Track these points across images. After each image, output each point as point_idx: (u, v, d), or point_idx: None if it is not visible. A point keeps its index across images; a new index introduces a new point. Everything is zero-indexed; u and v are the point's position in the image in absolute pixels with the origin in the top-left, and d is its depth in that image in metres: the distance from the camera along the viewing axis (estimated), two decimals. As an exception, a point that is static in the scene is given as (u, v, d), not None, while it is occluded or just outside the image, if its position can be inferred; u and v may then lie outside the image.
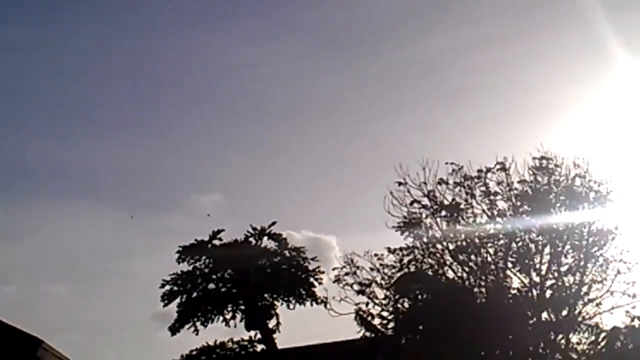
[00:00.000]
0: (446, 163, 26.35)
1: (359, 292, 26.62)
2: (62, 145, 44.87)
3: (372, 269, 26.63)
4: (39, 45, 44.03)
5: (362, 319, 27.44)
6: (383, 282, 26.71)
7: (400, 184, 26.35)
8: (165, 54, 46.33)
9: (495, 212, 26.19)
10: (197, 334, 30.90)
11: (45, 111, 46.25)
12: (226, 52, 45.23)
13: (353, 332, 27.81)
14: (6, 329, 19.16)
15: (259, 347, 31.05)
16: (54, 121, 46.13)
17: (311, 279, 31.54)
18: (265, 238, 32.12)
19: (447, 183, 26.28)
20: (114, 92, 47.02)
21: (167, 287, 31.03)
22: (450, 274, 26.54)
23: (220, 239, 31.80)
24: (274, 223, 32.09)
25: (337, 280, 26.84)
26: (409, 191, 26.45)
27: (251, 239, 31.94)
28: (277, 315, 31.48)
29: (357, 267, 26.71)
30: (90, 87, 46.85)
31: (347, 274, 26.72)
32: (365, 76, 45.22)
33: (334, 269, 27.48)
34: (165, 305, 31.02)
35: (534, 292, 25.63)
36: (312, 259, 31.78)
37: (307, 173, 48.36)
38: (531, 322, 25.44)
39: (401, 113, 46.90)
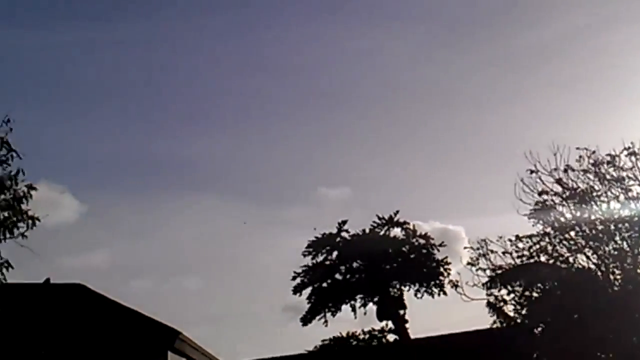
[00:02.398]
0: (577, 148, 25.73)
1: (490, 277, 26.38)
2: (189, 140, 46.21)
3: (504, 253, 26.41)
4: (159, 40, 45.32)
5: (495, 307, 27.16)
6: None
7: (532, 172, 25.90)
8: (285, 45, 46.66)
9: (629, 197, 25.22)
10: (326, 325, 31.50)
11: (173, 107, 47.71)
12: (345, 41, 45.02)
13: (483, 322, 27.75)
14: (145, 320, 20.02)
15: (390, 337, 31.29)
16: (182, 116, 47.51)
17: (440, 269, 31.46)
18: (393, 227, 32.32)
19: (574, 170, 25.62)
20: (238, 87, 47.90)
21: (298, 280, 31.77)
22: (583, 261, 25.84)
23: (347, 231, 32.25)
24: (397, 212, 32.23)
25: (471, 263, 26.76)
26: (540, 178, 25.99)
27: (378, 229, 32.18)
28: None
29: (490, 251, 26.57)
30: (219, 82, 47.96)
31: (479, 256, 26.58)
32: (487, 62, 43.89)
33: (465, 248, 27.47)
34: (297, 294, 31.77)
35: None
36: (440, 245, 31.76)
37: (434, 162, 47.53)
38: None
39: (524, 98, 45.32)
